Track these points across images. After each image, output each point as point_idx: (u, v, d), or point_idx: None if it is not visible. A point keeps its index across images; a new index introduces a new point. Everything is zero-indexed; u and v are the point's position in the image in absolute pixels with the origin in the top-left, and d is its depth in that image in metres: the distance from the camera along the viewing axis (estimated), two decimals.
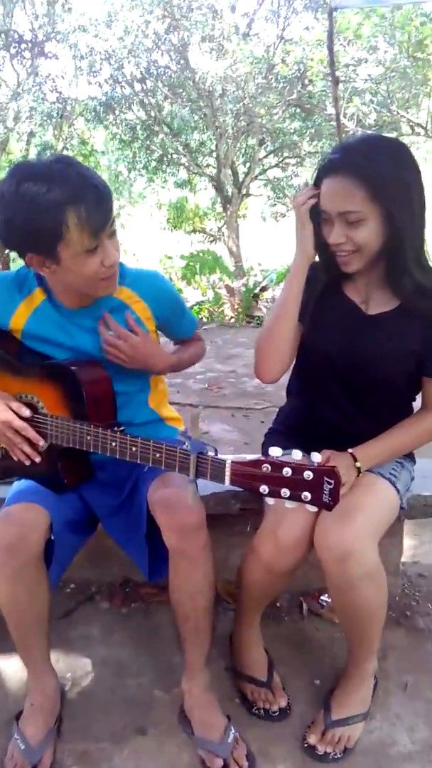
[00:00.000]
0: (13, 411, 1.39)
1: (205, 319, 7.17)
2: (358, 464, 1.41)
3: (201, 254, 7.87)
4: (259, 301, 7.03)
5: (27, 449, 1.40)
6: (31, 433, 1.39)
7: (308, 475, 1.05)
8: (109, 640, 1.81)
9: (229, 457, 1.16)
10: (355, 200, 1.29)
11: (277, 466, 1.07)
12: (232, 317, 6.82)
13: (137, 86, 11.61)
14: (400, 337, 1.43)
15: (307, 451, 1.14)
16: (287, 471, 1.06)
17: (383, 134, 1.49)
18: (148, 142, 12.70)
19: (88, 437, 1.30)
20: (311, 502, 1.06)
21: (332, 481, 1.04)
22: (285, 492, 1.06)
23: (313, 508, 1.07)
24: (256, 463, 1.09)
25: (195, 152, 13.07)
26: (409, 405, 1.58)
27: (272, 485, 1.07)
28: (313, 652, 1.76)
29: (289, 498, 1.06)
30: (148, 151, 12.96)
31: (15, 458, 1.43)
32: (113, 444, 1.27)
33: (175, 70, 11.46)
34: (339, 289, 1.50)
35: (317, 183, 1.38)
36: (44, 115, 11.28)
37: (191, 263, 7.61)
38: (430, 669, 1.70)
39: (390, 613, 1.67)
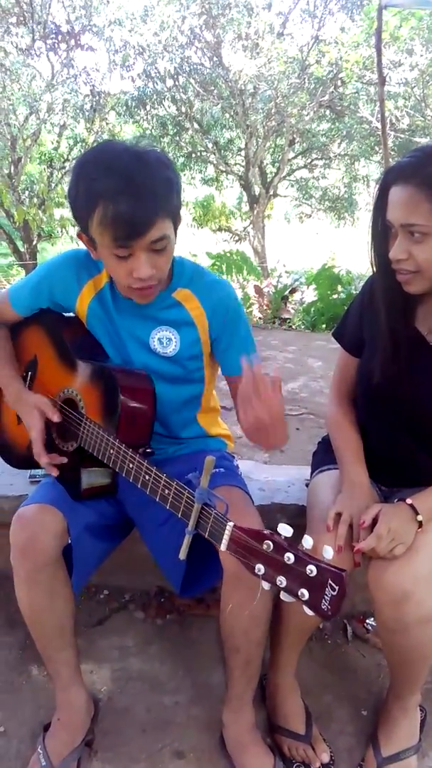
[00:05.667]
0: (42, 415, 1.40)
1: None
2: (419, 517, 1.25)
3: (228, 254, 7.75)
4: (288, 303, 6.94)
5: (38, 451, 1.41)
6: (38, 448, 1.38)
7: (311, 570, 0.88)
8: (144, 653, 1.75)
9: (231, 522, 1.02)
10: (422, 212, 1.15)
11: (281, 548, 0.93)
12: (260, 318, 6.74)
13: (169, 82, 11.57)
14: None
15: None
16: (289, 557, 0.91)
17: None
18: (177, 138, 12.66)
19: (111, 450, 1.26)
20: (307, 604, 0.89)
21: (336, 588, 0.87)
22: (281, 581, 0.91)
23: (310, 612, 0.90)
24: (259, 536, 0.96)
25: (224, 150, 13.02)
26: None
27: (269, 567, 0.93)
28: (359, 680, 1.67)
29: (284, 590, 0.91)
30: (177, 147, 12.92)
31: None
32: (130, 465, 1.22)
33: (208, 67, 11.40)
34: (406, 314, 1.36)
35: (383, 189, 1.25)
36: (77, 107, 11.28)
37: (217, 263, 7.49)
38: None
39: None
